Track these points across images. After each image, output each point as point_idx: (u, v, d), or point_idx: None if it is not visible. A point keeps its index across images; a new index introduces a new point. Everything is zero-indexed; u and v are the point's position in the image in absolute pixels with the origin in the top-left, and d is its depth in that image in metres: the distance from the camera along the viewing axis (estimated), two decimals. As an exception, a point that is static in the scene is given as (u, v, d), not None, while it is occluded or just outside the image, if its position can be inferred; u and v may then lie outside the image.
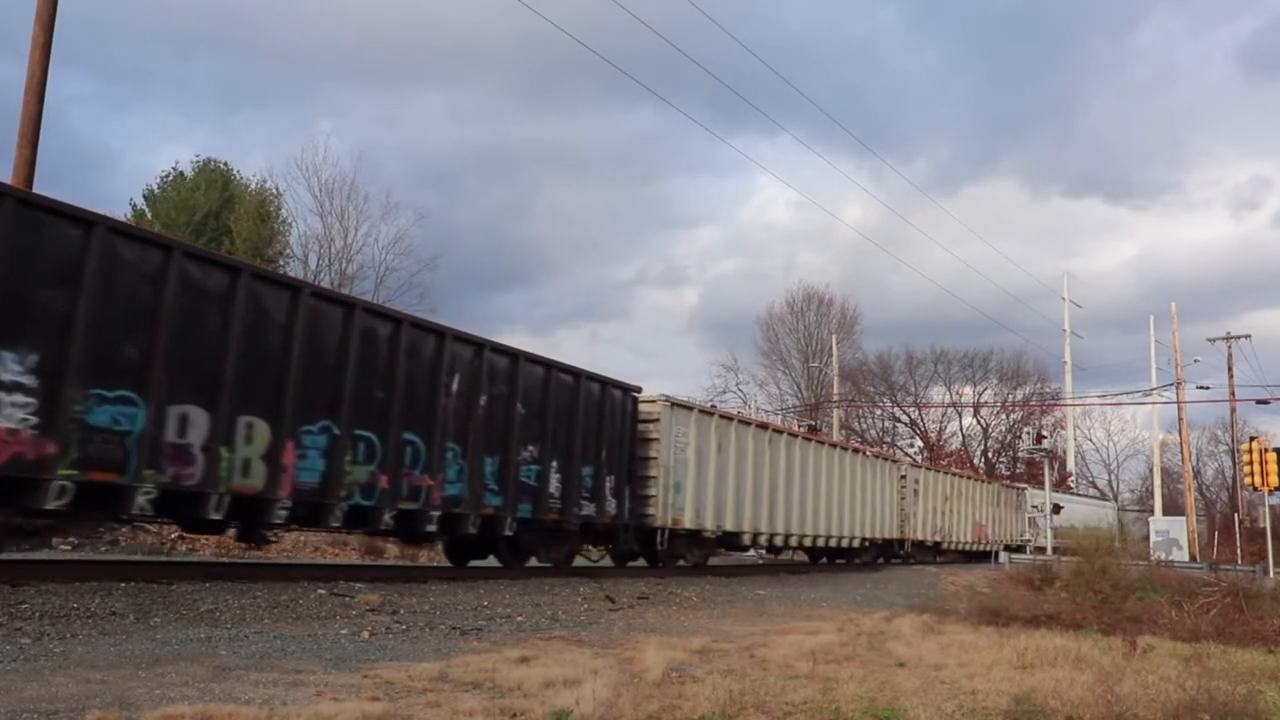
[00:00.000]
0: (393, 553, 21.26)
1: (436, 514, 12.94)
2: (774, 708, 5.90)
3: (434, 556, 19.29)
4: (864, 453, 28.55)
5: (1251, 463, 28.99)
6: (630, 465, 17.16)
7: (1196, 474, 59.11)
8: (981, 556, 34.97)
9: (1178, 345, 41.69)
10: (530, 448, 14.70)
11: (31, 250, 8.66)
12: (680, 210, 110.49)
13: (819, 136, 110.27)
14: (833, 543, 24.61)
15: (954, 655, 8.93)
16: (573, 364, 16.09)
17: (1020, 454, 57.02)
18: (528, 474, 14.63)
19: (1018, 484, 44.70)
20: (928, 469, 33.45)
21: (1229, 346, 41.13)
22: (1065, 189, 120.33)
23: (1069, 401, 59.64)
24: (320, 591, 10.53)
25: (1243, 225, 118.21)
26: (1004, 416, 64.56)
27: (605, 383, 16.67)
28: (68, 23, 48.65)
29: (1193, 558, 33.50)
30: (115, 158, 75.29)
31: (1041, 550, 34.89)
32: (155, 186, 38.26)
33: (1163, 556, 29.66)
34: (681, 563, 19.25)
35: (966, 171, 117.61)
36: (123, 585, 9.39)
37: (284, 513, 10.92)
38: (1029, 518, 41.63)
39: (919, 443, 62.96)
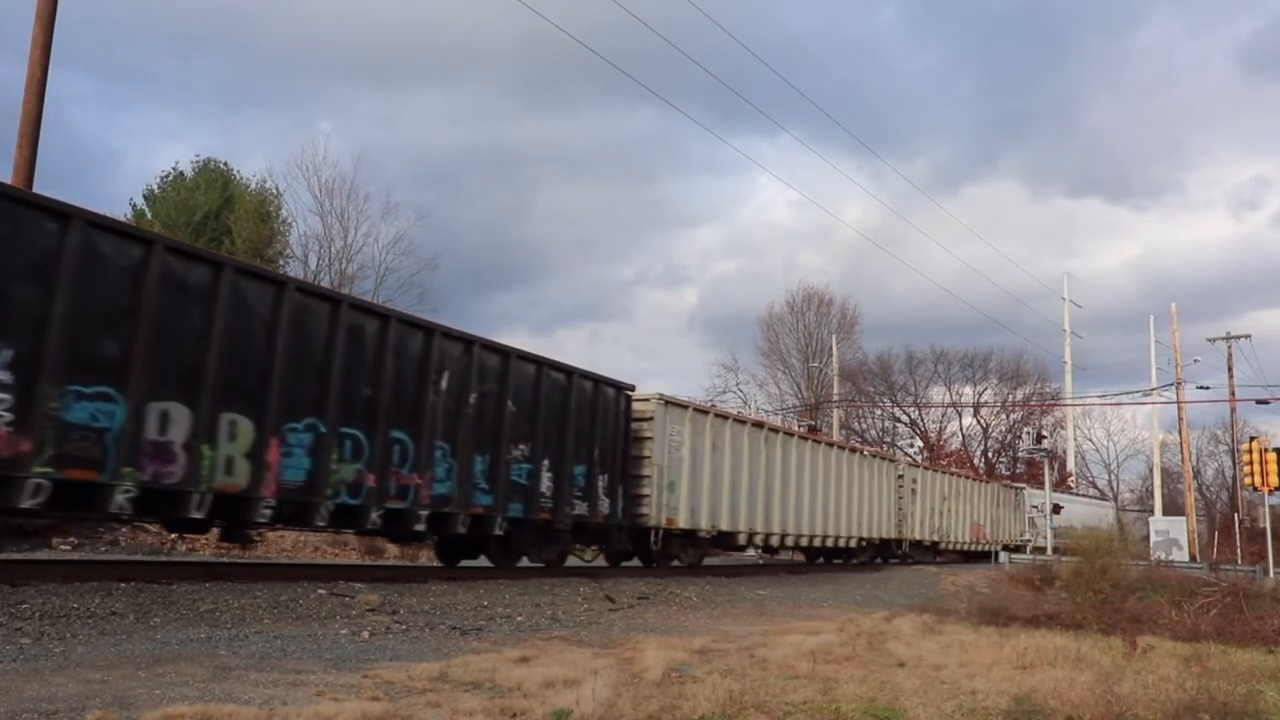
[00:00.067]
0: (393, 553, 21.26)
1: (425, 513, 12.84)
2: (774, 708, 5.90)
3: (434, 556, 19.28)
4: (861, 452, 28.51)
5: (1251, 463, 28.98)
6: (624, 464, 17.05)
7: (1196, 474, 59.17)
8: (980, 557, 34.96)
9: (1178, 345, 41.74)
10: (521, 446, 14.60)
11: (5, 243, 8.53)
12: (680, 210, 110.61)
13: (819, 136, 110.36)
14: (829, 543, 24.55)
15: (954, 655, 8.92)
16: (565, 361, 16.03)
17: (1020, 454, 57.03)
18: (519, 473, 14.53)
19: (1016, 484, 44.69)
20: (925, 468, 33.39)
21: (1229, 346, 41.17)
22: (1065, 189, 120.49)
23: (1069, 401, 59.70)
24: (320, 591, 10.53)
25: (1243, 225, 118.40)
26: (1004, 416, 64.63)
27: (598, 381, 16.57)
28: (68, 23, 48.72)
29: (1193, 558, 33.50)
30: (115, 158, 75.39)
31: (1041, 550, 34.88)
32: (155, 186, 38.27)
33: (1163, 556, 29.66)
34: (676, 563, 19.18)
35: (966, 171, 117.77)
36: (123, 585, 9.39)
37: (268, 512, 10.80)
38: (1028, 518, 41.63)
39: (919, 443, 62.99)
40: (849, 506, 25.54)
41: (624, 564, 19.03)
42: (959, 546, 34.23)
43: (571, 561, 17.61)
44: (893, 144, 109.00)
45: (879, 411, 64.76)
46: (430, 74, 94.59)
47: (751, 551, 26.00)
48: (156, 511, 10.31)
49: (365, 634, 8.46)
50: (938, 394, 65.16)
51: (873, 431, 64.45)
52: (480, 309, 79.12)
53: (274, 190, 38.26)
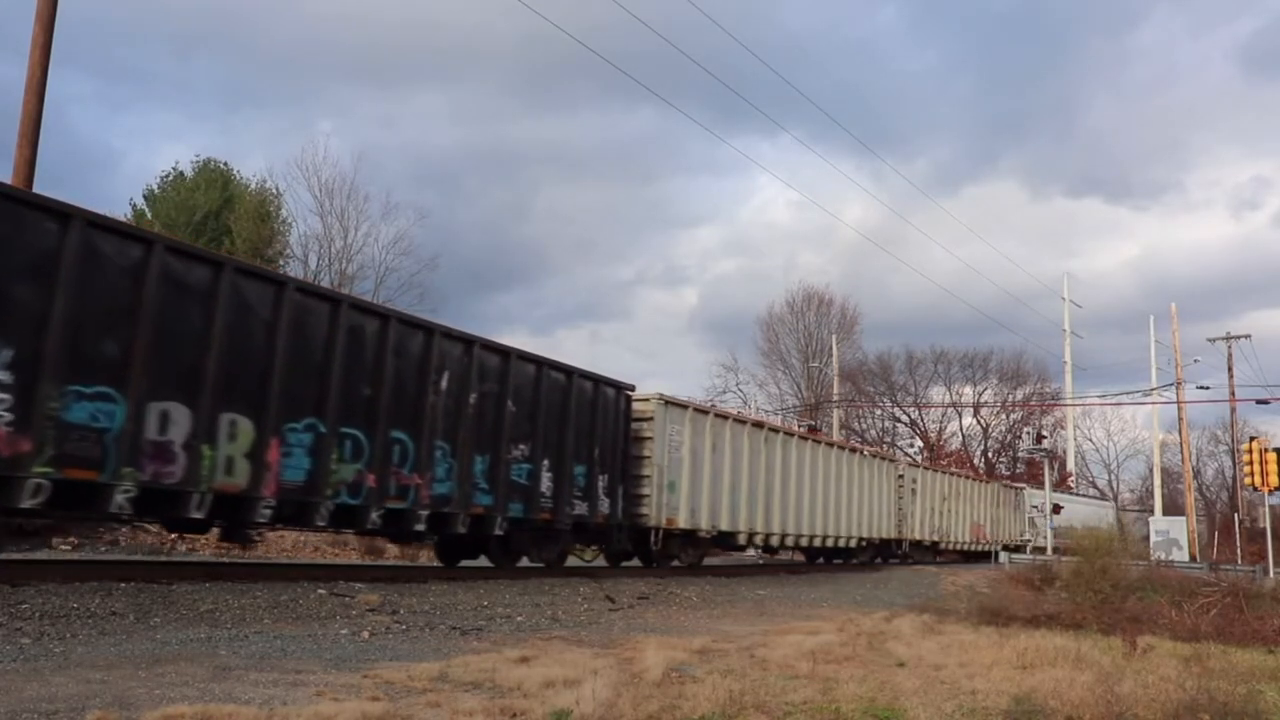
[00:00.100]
0: (393, 553, 21.25)
1: (425, 513, 12.82)
2: (774, 708, 5.90)
3: (434, 556, 19.28)
4: (861, 452, 28.49)
5: (1251, 463, 28.98)
6: (624, 464, 17.04)
7: (1196, 474, 59.18)
8: (980, 557, 34.96)
9: (1178, 345, 41.74)
10: (521, 446, 14.58)
11: (5, 243, 8.52)
12: (680, 210, 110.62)
13: (819, 136, 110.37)
14: (829, 543, 24.54)
15: (954, 655, 8.92)
16: (566, 361, 16.00)
17: (1020, 454, 57.04)
18: (519, 473, 14.52)
19: (1016, 484, 44.69)
20: (925, 468, 33.37)
21: (1229, 346, 41.18)
22: (1065, 189, 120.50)
23: (1069, 401, 59.70)
24: (320, 591, 10.53)
25: (1243, 225, 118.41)
26: (1004, 416, 64.65)
27: (598, 381, 16.55)
28: (68, 23, 48.72)
29: (1193, 558, 33.50)
30: (115, 158, 75.39)
31: (1041, 550, 34.88)
32: (155, 186, 38.29)
33: (1163, 556, 29.67)
34: (676, 563, 19.17)
35: (966, 171, 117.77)
36: (123, 585, 9.38)
37: (268, 512, 10.78)
38: (1028, 518, 41.62)
39: (919, 443, 63.00)
40: (849, 506, 25.53)
41: (624, 564, 19.02)
42: (959, 546, 34.22)
43: (571, 562, 17.59)
44: (893, 144, 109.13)
45: (879, 411, 64.85)
46: (430, 74, 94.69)
47: (752, 552, 26.01)
48: (156, 511, 10.29)
49: (365, 634, 8.46)
50: (938, 394, 65.26)
51: (873, 431, 64.49)
52: (480, 309, 79.23)
53: (274, 190, 38.33)
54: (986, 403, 63.58)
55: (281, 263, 35.81)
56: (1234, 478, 50.48)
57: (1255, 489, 30.11)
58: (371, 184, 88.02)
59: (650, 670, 6.95)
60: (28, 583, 8.80)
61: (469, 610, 10.67)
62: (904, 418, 64.98)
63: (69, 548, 15.94)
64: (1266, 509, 32.26)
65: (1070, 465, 60.24)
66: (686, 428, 18.59)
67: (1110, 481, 76.73)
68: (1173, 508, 51.35)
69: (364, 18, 79.41)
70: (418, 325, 13.25)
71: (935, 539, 31.92)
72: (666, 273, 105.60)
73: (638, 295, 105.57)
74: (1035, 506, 41.42)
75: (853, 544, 25.93)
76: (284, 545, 20.25)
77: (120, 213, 34.96)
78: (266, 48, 77.75)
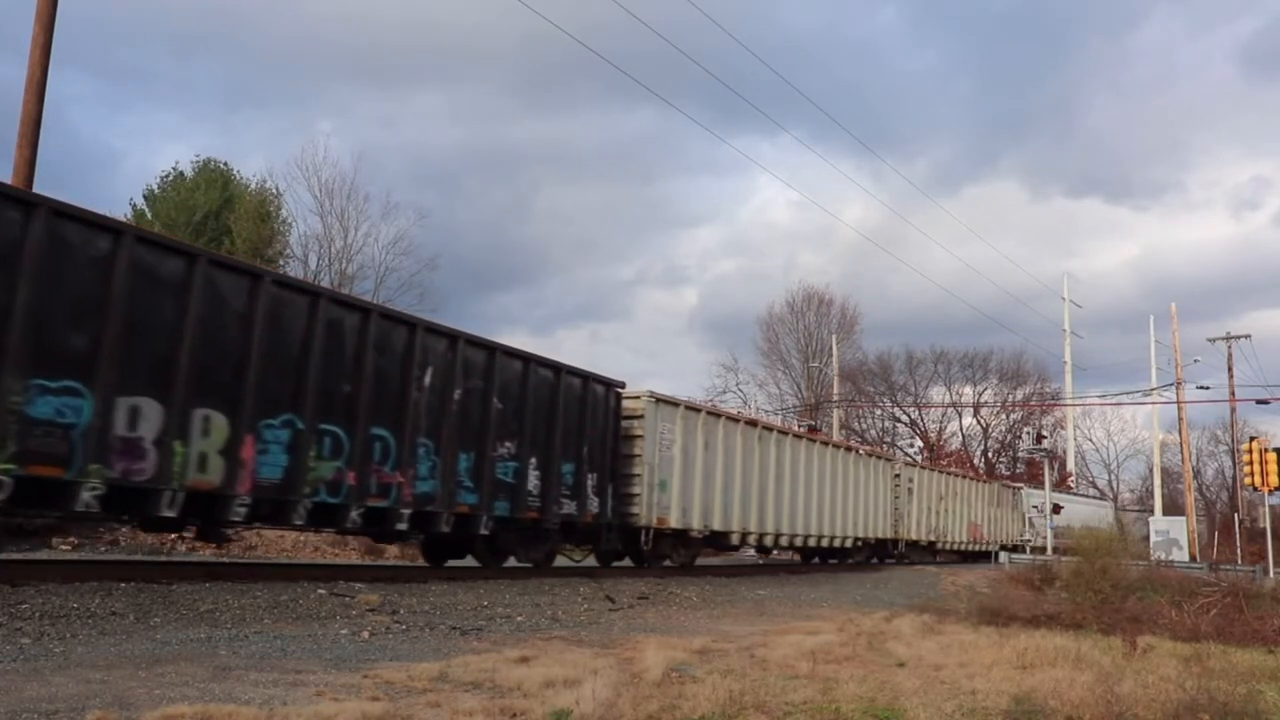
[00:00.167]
0: (393, 553, 21.25)
1: (407, 512, 12.60)
2: (774, 708, 5.90)
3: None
4: (856, 451, 28.40)
5: (1251, 463, 28.99)
6: (613, 463, 16.83)
7: (1196, 474, 59.12)
8: (978, 557, 34.96)
9: (1178, 345, 41.74)
10: (508, 444, 14.35)
11: None
12: (680, 210, 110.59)
13: (819, 136, 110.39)
14: (824, 542, 24.41)
15: (954, 655, 8.92)
16: (552, 358, 15.75)
17: (1020, 454, 57.04)
18: (505, 471, 14.29)
19: (1014, 484, 44.70)
20: (922, 468, 33.32)
21: (1229, 346, 41.18)
22: (1065, 189, 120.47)
23: (1069, 401, 59.71)
24: (320, 591, 10.52)
25: (1243, 225, 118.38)
26: (1004, 416, 64.65)
27: (587, 377, 16.31)
28: (68, 23, 48.66)
29: (1193, 558, 33.50)
30: (115, 158, 75.31)
31: (1041, 550, 34.88)
32: (155, 186, 38.25)
33: (1163, 556, 29.69)
34: (667, 563, 18.99)
35: (966, 171, 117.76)
36: (123, 585, 9.38)
37: (243, 510, 10.55)
38: (1027, 518, 41.61)
39: (919, 443, 63.00)
40: (844, 506, 25.43)
41: (615, 564, 18.96)
42: (956, 546, 34.20)
43: (560, 561, 17.45)
44: (893, 144, 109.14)
45: (879, 411, 64.83)
46: (430, 74, 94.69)
47: (749, 551, 25.99)
48: (127, 510, 10.02)
49: (365, 634, 8.46)
50: (938, 394, 65.25)
51: (873, 431, 64.48)
52: (480, 309, 79.21)
53: (274, 190, 38.28)
54: (986, 403, 63.66)
55: (281, 263, 35.79)
56: (1234, 478, 50.49)
57: (1255, 489, 30.12)
58: (371, 184, 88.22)
59: (650, 670, 6.96)
60: (28, 583, 8.79)
61: (469, 610, 10.67)
62: (904, 418, 65.04)
63: (69, 548, 15.94)
64: (1266, 509, 32.27)
65: (1070, 465, 60.25)
66: (678, 426, 18.47)
67: (1110, 481, 76.77)
68: (1173, 508, 51.33)
69: (364, 18, 79.49)
70: (400, 320, 13.06)
71: (932, 539, 31.89)
72: (666, 273, 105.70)
73: (638, 295, 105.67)
74: (1035, 506, 41.42)
75: (848, 544, 25.84)
76: (284, 545, 20.24)
77: (120, 213, 34.96)
78: (266, 48, 77.84)
